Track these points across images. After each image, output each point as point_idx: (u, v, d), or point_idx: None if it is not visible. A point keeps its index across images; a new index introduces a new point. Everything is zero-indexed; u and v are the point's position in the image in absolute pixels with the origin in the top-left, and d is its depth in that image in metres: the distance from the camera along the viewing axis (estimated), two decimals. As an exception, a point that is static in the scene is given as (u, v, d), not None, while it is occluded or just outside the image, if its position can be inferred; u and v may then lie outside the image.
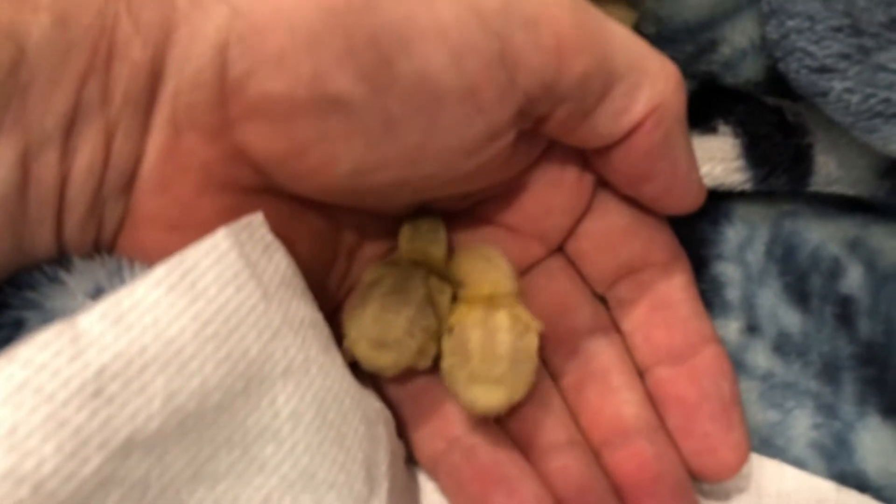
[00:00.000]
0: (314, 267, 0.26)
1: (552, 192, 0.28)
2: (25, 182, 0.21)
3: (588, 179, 0.28)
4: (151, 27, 0.21)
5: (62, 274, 0.22)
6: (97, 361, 0.18)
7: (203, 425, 0.19)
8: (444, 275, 0.27)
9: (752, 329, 0.30)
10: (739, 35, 0.29)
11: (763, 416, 0.29)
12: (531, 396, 0.27)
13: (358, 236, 0.27)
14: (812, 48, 0.25)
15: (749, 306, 0.30)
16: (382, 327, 0.25)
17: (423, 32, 0.21)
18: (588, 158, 0.27)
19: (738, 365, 0.29)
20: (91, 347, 0.18)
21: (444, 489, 0.26)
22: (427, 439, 0.27)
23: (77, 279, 0.22)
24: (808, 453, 0.28)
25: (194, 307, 0.20)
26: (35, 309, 0.22)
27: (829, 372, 0.29)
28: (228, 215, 0.23)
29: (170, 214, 0.23)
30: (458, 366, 0.25)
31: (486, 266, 0.27)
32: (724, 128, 0.30)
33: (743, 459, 0.26)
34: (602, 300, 0.29)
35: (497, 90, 0.22)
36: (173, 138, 0.22)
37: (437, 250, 0.27)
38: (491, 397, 0.24)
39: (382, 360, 0.25)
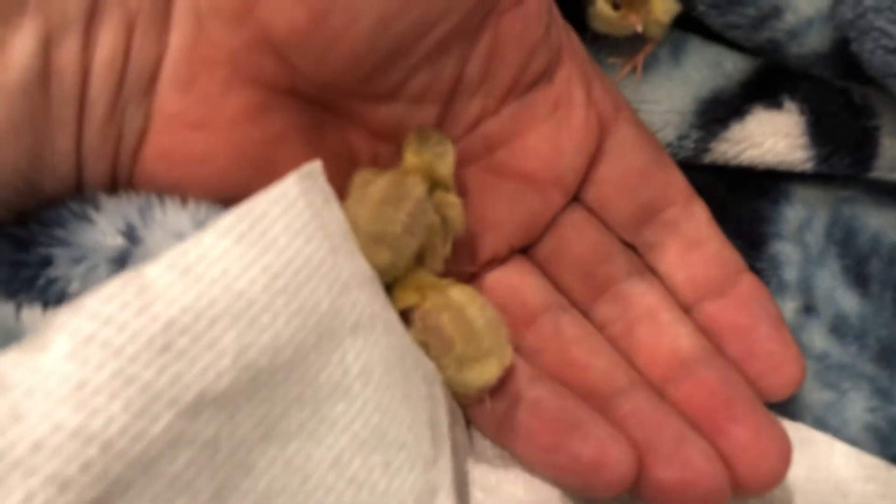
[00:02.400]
0: None
1: (562, 134, 0.26)
2: (47, 71, 0.19)
3: (594, 119, 0.26)
4: None
5: (90, 211, 0.21)
6: (165, 315, 0.16)
7: (274, 382, 0.17)
8: (448, 188, 0.25)
9: (808, 309, 0.28)
10: (805, 3, 0.27)
11: (818, 395, 0.27)
12: (581, 348, 0.25)
13: (372, 166, 0.25)
14: (891, 28, 0.24)
15: (806, 287, 0.28)
16: (381, 222, 0.22)
17: None
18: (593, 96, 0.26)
19: (794, 344, 0.28)
20: (159, 300, 0.16)
21: (514, 449, 0.24)
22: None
23: (106, 216, 0.21)
24: (863, 436, 0.26)
25: (264, 258, 0.18)
26: (63, 245, 0.20)
27: (887, 356, 0.27)
28: (254, 115, 0.22)
29: (195, 113, 0.22)
30: (441, 355, 0.23)
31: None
32: (789, 104, 0.28)
33: (803, 372, 0.25)
34: (632, 248, 0.28)
35: None
36: (196, 30, 0.21)
37: (444, 167, 0.24)
38: (485, 373, 0.23)
39: (379, 258, 0.22)
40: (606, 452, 0.23)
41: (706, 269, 0.26)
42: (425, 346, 0.23)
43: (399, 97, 0.24)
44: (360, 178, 0.24)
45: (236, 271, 0.17)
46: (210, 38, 0.21)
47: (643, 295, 0.26)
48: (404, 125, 0.25)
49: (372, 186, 0.23)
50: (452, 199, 0.24)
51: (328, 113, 0.24)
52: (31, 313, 0.20)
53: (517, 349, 0.26)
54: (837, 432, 0.27)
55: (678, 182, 0.27)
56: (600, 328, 0.27)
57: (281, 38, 0.21)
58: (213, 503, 0.16)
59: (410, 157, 0.24)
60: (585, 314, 0.27)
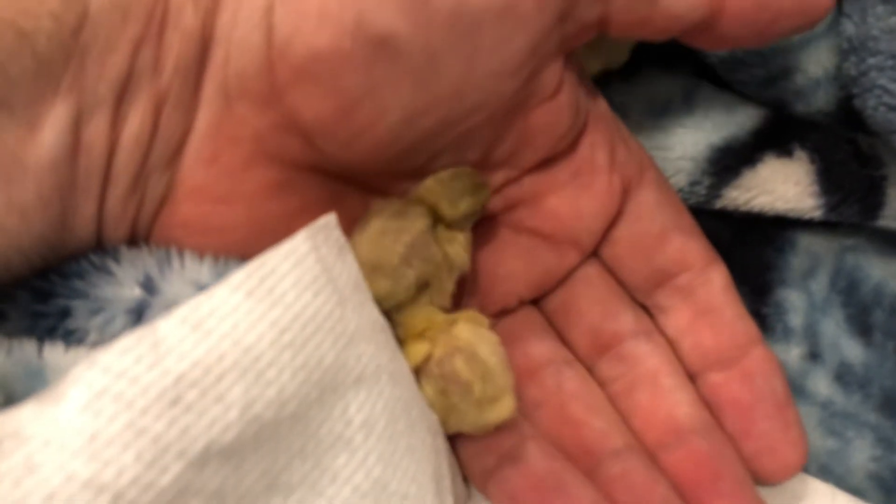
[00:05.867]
0: None
1: (582, 198, 0.26)
2: (76, 147, 0.20)
3: (617, 184, 0.26)
4: None
5: (110, 263, 0.21)
6: (176, 369, 0.17)
7: (279, 435, 0.18)
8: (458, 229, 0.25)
9: (813, 356, 0.28)
10: (814, 65, 0.27)
11: (822, 442, 0.27)
12: (580, 405, 0.25)
13: None
14: (893, 86, 0.24)
15: (812, 334, 0.29)
16: (379, 252, 0.23)
17: None
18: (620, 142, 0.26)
19: (798, 390, 0.28)
20: (170, 354, 0.17)
21: None
22: (476, 456, 0.25)
23: (125, 269, 0.21)
24: (867, 484, 0.26)
25: (272, 313, 0.18)
26: (82, 298, 0.21)
27: (890, 406, 0.27)
28: (275, 190, 0.23)
29: (217, 187, 0.22)
30: (461, 399, 0.23)
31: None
32: (800, 152, 0.28)
33: (803, 457, 0.24)
34: (644, 308, 0.27)
35: None
36: (224, 108, 0.21)
37: (461, 206, 0.24)
38: (503, 410, 0.23)
39: (377, 288, 0.23)
40: None
41: (715, 338, 0.26)
42: (445, 393, 0.23)
43: (422, 175, 0.24)
44: (373, 207, 0.24)
45: (245, 326, 0.18)
46: (236, 117, 0.22)
47: (647, 357, 0.26)
48: (430, 155, 0.25)
49: (375, 217, 0.23)
50: (456, 236, 0.24)
51: (349, 185, 0.24)
52: (53, 351, 0.20)
53: (517, 400, 0.26)
54: (841, 480, 0.27)
55: (697, 246, 0.27)
56: (602, 385, 0.27)
57: (307, 124, 0.22)
58: (219, 551, 0.17)
59: (448, 211, 0.24)
60: (589, 370, 0.27)
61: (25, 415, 0.16)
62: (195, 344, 0.17)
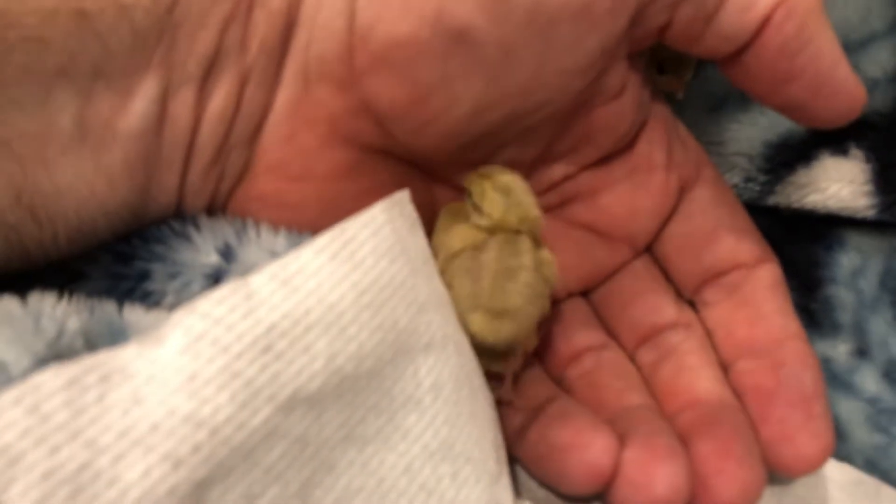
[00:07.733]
0: None
1: (639, 196, 0.27)
2: (162, 120, 0.21)
3: (673, 183, 0.27)
4: None
5: (190, 230, 0.23)
6: (267, 319, 0.18)
7: (357, 389, 0.19)
8: (540, 242, 0.25)
9: (861, 353, 0.29)
10: (873, 65, 0.28)
11: (869, 438, 0.28)
12: (610, 372, 0.26)
13: None
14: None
15: (860, 331, 0.29)
16: (501, 296, 0.23)
17: None
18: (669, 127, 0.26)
19: (846, 386, 0.28)
20: (262, 306, 0.18)
21: (519, 457, 0.25)
22: (507, 417, 0.25)
23: (204, 235, 0.22)
24: (912, 481, 0.27)
25: (353, 275, 0.20)
26: (161, 261, 0.22)
27: (938, 405, 0.28)
28: (347, 172, 0.24)
29: (292, 165, 0.23)
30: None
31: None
32: (855, 151, 0.29)
33: (824, 451, 0.23)
34: (691, 304, 0.28)
35: (610, 1, 0.21)
36: (303, 89, 0.23)
37: (535, 211, 0.24)
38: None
39: (504, 332, 0.22)
40: (583, 435, 0.23)
41: (749, 330, 0.26)
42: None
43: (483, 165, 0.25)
44: (448, 211, 0.25)
45: (329, 285, 0.19)
46: (314, 98, 0.23)
47: (681, 343, 0.27)
48: (494, 146, 0.26)
49: (485, 255, 0.24)
50: (546, 257, 0.25)
51: (417, 169, 0.26)
52: (133, 312, 0.21)
53: (559, 382, 0.27)
54: (887, 475, 0.27)
55: (749, 245, 0.27)
56: (637, 368, 0.27)
57: (381, 110, 0.23)
58: (301, 495, 0.18)
59: (499, 215, 0.24)
60: (630, 359, 0.28)
61: (129, 353, 0.17)
62: (284, 298, 0.18)
